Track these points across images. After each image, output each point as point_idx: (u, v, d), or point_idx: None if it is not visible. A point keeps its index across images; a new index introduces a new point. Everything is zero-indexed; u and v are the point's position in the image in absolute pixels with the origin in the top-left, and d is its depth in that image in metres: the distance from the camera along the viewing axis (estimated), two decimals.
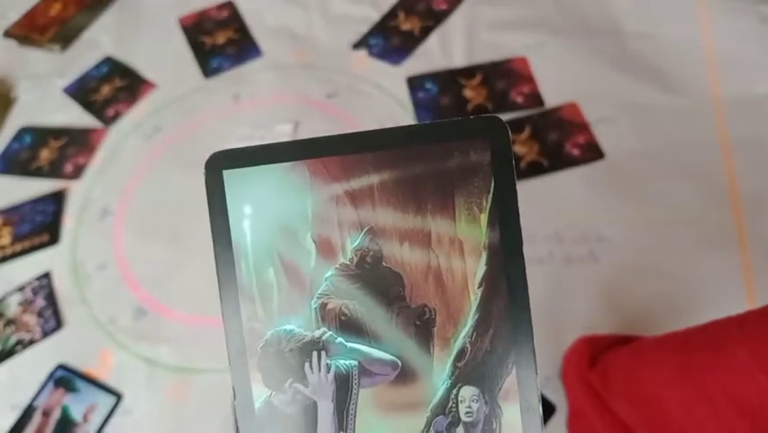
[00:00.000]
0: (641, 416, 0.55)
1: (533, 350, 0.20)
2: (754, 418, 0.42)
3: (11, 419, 0.73)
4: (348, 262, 0.21)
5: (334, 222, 0.21)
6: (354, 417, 0.21)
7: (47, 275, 0.84)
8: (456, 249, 0.20)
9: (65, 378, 0.75)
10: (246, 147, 0.21)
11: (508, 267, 0.20)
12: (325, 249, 0.21)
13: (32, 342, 0.79)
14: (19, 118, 1.05)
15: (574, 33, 0.96)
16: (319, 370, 0.21)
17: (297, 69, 1.02)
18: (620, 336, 0.67)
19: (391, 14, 1.05)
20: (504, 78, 0.93)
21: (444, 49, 0.98)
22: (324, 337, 0.21)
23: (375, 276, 0.21)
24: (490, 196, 0.20)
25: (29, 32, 1.16)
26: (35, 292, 0.83)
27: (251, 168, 0.21)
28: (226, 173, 0.21)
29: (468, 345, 0.20)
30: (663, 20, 0.95)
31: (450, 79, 0.94)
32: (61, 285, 0.84)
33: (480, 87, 0.92)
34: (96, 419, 0.72)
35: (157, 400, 0.73)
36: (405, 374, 0.21)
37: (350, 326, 0.21)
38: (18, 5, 1.21)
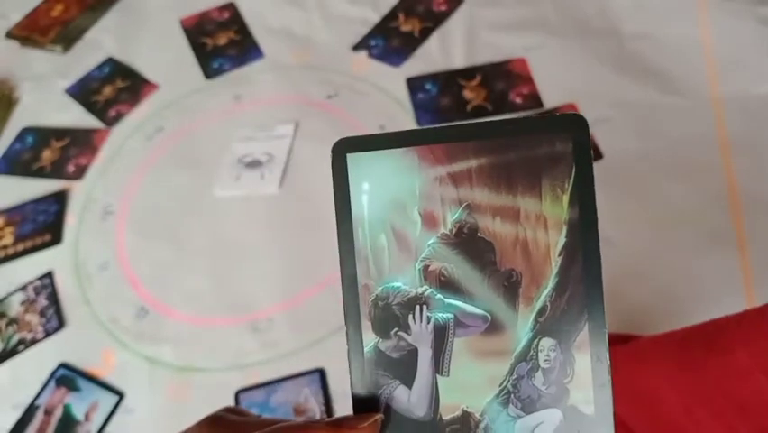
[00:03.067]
0: (640, 415, 0.55)
1: (603, 309, 0.23)
2: (754, 417, 0.43)
3: (13, 417, 0.74)
4: (448, 232, 0.24)
5: (438, 199, 0.25)
6: (449, 361, 0.24)
7: (49, 275, 0.85)
8: (541, 224, 0.24)
9: (67, 377, 0.76)
10: (366, 135, 0.25)
11: (585, 240, 0.23)
12: (429, 221, 0.25)
13: (34, 341, 0.79)
14: (21, 119, 1.05)
15: (573, 34, 0.97)
16: (421, 321, 0.24)
17: (297, 70, 1.02)
18: (619, 335, 0.67)
19: (391, 16, 1.05)
20: (503, 78, 0.93)
21: (444, 50, 0.99)
22: (425, 294, 0.24)
23: (470, 244, 0.24)
24: (572, 180, 0.23)
25: (31, 33, 1.16)
26: (37, 292, 0.84)
27: (370, 152, 0.25)
28: (349, 156, 0.25)
29: (548, 304, 0.24)
30: (663, 20, 0.95)
31: (449, 80, 0.94)
32: (63, 285, 0.84)
33: (480, 87, 0.92)
34: (97, 418, 0.72)
35: (158, 400, 0.73)
36: (493, 327, 0.24)
37: (448, 285, 0.24)
38: (20, 6, 1.22)
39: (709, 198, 0.77)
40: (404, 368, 0.24)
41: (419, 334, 0.24)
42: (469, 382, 0.24)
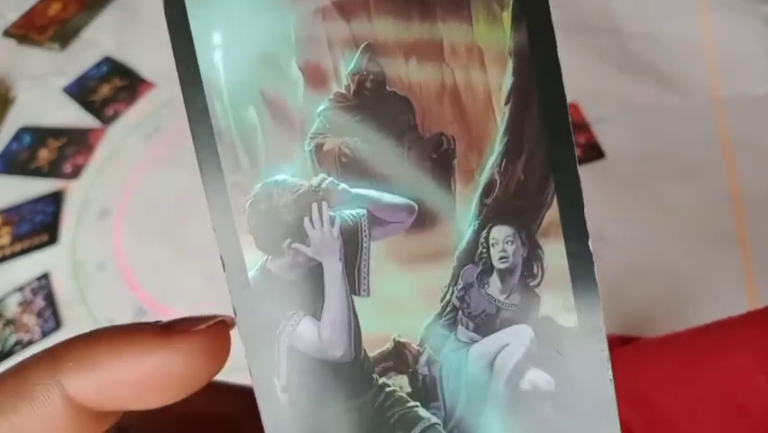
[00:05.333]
0: (641, 417, 0.55)
1: (576, 174, 0.16)
2: (754, 417, 0.42)
3: None
4: (344, 91, 0.16)
5: (323, 41, 0.16)
6: (368, 275, 0.17)
7: (46, 275, 0.84)
8: (475, 59, 0.16)
9: None
10: None
11: (541, 76, 0.16)
12: (315, 77, 0.16)
13: (30, 342, 0.79)
14: (18, 118, 1.04)
15: (574, 33, 0.96)
16: (321, 224, 0.17)
17: None
18: (620, 336, 0.67)
19: None
20: None
21: None
22: (323, 185, 0.17)
23: (378, 104, 0.16)
24: None
25: (28, 31, 1.16)
26: (34, 293, 0.83)
27: None
28: None
29: (497, 177, 0.16)
30: (663, 20, 0.95)
31: None
32: (60, 285, 0.83)
33: None
34: None
35: None
36: (423, 219, 0.16)
37: (353, 168, 0.16)
38: (17, 5, 1.21)
39: (711, 198, 0.77)
40: (307, 293, 0.17)
41: (321, 242, 0.16)
42: (398, 300, 0.17)
